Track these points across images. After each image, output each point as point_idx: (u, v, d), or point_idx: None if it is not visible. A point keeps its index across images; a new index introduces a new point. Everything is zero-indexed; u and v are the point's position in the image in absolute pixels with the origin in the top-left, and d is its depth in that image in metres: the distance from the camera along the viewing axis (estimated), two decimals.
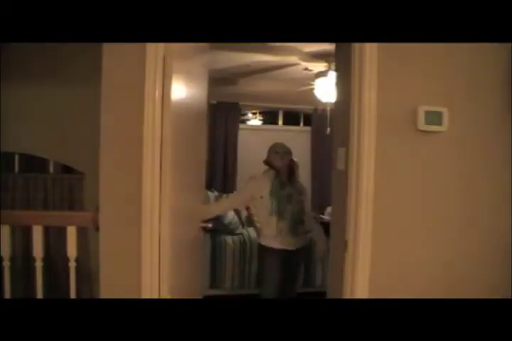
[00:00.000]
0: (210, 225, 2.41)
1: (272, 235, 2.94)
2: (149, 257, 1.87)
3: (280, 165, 3.00)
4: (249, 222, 4.69)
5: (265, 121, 6.40)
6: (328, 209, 4.85)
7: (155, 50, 1.83)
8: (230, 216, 4.41)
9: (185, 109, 2.10)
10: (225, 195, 4.58)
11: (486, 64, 2.18)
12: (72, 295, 2.08)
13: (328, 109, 5.32)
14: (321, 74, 4.49)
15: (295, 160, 3.10)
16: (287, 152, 3.06)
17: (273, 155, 3.04)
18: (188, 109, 2.14)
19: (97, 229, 1.93)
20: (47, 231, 2.68)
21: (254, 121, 6.41)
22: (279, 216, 2.92)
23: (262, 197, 2.94)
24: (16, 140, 3.15)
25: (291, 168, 3.04)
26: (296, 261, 3.09)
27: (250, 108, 6.15)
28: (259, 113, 6.36)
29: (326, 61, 4.29)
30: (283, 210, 2.92)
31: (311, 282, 4.26)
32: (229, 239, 4.27)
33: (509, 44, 2.14)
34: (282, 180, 2.99)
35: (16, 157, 3.82)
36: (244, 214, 4.83)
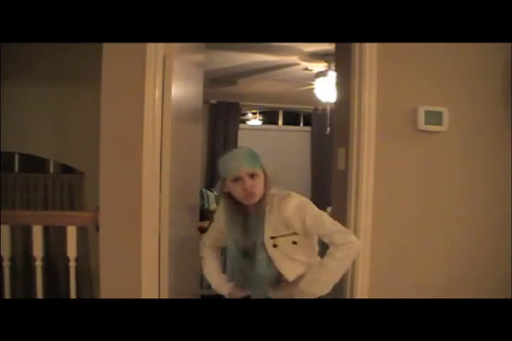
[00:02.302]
0: (206, 225, 2.40)
1: None
2: (149, 257, 1.87)
3: (250, 202, 1.59)
4: None
5: (265, 121, 6.39)
6: (328, 209, 4.84)
7: (155, 50, 1.83)
8: None
9: (183, 108, 2.10)
10: None
11: (485, 64, 2.18)
12: (72, 295, 2.08)
13: (328, 108, 5.32)
14: (321, 74, 4.48)
15: (267, 174, 1.62)
16: (255, 171, 1.58)
17: (232, 186, 1.58)
18: (184, 109, 2.14)
19: (97, 229, 1.93)
20: (47, 231, 2.68)
21: (254, 121, 6.41)
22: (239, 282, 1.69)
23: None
24: (16, 140, 3.15)
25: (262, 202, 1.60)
26: None
27: (250, 108, 6.15)
28: (259, 113, 6.35)
29: (326, 61, 4.28)
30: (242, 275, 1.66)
31: None
32: None
33: (509, 44, 2.14)
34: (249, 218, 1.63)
35: (16, 157, 3.82)
36: None
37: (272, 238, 1.58)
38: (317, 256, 1.66)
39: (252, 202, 1.58)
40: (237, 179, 1.56)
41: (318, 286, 1.54)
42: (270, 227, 1.58)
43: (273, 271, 1.59)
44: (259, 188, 1.57)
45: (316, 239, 1.66)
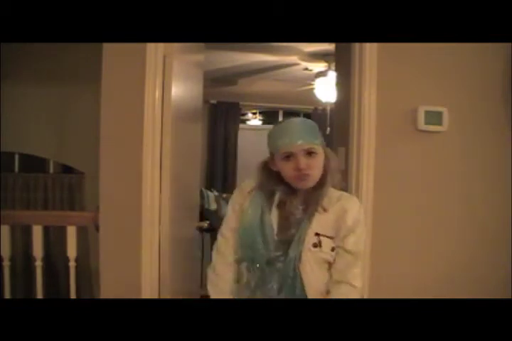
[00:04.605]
0: (205, 225, 2.40)
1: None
2: (149, 257, 1.87)
3: (302, 186, 1.32)
4: None
5: (265, 121, 6.40)
6: None
7: (155, 50, 1.83)
8: None
9: (183, 108, 2.10)
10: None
11: (485, 64, 2.18)
12: (72, 295, 2.08)
13: (328, 109, 5.32)
14: (321, 74, 4.49)
15: (329, 154, 1.36)
16: (313, 147, 1.29)
17: (282, 164, 1.31)
18: (184, 109, 2.14)
19: (97, 229, 1.93)
20: (47, 231, 2.68)
21: (254, 121, 6.41)
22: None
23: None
24: (16, 140, 3.15)
25: (321, 185, 1.33)
26: None
27: (250, 108, 6.15)
28: (259, 113, 6.36)
29: (326, 61, 4.29)
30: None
31: None
32: None
33: (509, 44, 2.14)
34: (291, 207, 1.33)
35: (16, 157, 3.82)
36: None
37: (317, 235, 1.30)
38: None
39: (304, 186, 1.30)
40: (289, 156, 1.28)
41: None
42: (319, 223, 1.30)
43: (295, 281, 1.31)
44: (316, 169, 1.29)
45: None
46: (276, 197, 1.35)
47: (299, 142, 1.27)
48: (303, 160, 1.26)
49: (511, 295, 2.08)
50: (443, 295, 2.02)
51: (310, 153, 1.28)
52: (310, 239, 1.30)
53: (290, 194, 1.33)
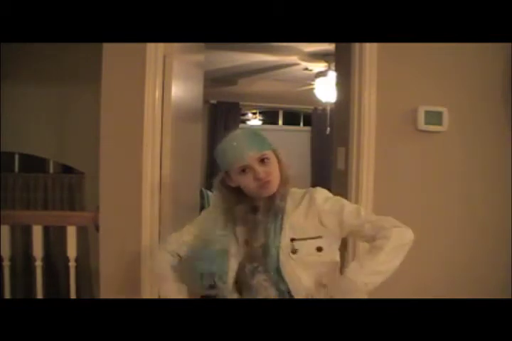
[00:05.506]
0: None
1: None
2: (149, 257, 1.87)
3: (267, 193, 1.31)
4: None
5: (265, 121, 6.40)
6: None
7: (155, 50, 1.83)
8: None
9: (183, 108, 2.10)
10: None
11: (485, 64, 2.18)
12: (72, 295, 2.08)
13: (328, 109, 5.33)
14: (321, 74, 4.49)
15: (280, 155, 1.35)
16: (265, 154, 1.30)
17: (240, 178, 1.30)
18: (184, 109, 2.14)
19: (97, 229, 1.93)
20: (47, 231, 2.68)
21: (254, 121, 6.41)
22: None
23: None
24: (16, 140, 3.15)
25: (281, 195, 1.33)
26: None
27: (250, 108, 6.15)
28: (259, 113, 6.36)
29: (326, 61, 4.29)
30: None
31: None
32: None
33: (509, 44, 2.14)
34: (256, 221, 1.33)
35: (16, 157, 3.82)
36: None
37: (292, 240, 1.29)
38: (339, 273, 1.36)
39: (268, 193, 1.29)
40: (244, 169, 1.27)
41: (365, 274, 1.24)
42: (291, 227, 1.30)
43: (282, 286, 1.32)
44: (274, 175, 1.29)
45: (338, 252, 1.38)
46: (237, 215, 1.35)
47: (251, 153, 1.27)
48: (260, 169, 1.26)
49: (511, 295, 2.08)
50: (443, 295, 2.02)
51: (263, 160, 1.28)
52: (286, 247, 1.30)
53: (254, 206, 1.34)
